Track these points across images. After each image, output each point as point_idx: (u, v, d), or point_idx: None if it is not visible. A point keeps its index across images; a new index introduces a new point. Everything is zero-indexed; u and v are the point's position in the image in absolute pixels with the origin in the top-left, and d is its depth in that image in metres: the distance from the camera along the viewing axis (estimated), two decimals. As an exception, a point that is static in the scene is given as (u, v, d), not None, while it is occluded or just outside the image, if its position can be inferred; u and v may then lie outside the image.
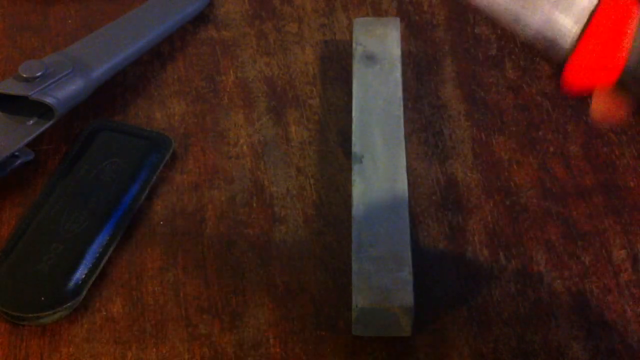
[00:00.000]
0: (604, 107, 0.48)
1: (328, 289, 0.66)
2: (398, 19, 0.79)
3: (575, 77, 0.44)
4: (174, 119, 0.76)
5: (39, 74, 0.71)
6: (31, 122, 0.72)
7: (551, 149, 0.73)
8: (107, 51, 0.76)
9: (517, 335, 0.63)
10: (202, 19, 0.83)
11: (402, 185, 0.67)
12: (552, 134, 0.74)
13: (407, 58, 0.80)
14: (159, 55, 0.80)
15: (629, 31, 0.43)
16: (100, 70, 0.75)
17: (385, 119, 0.71)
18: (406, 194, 0.67)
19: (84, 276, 0.65)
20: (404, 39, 0.80)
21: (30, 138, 0.71)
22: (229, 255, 0.67)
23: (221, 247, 0.68)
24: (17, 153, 0.71)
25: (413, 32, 0.82)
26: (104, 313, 0.65)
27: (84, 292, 0.65)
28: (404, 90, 0.75)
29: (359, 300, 0.61)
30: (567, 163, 0.73)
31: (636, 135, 0.74)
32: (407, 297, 0.61)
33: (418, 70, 0.79)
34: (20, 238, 0.67)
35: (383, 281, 0.62)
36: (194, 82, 0.78)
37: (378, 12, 0.84)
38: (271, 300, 0.65)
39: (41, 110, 0.72)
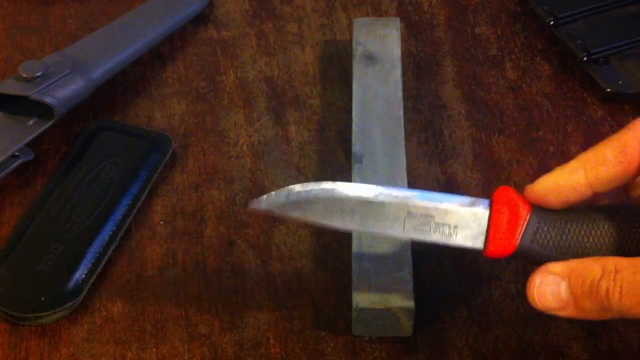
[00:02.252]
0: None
1: (328, 289, 0.66)
2: (398, 19, 0.79)
3: (491, 253, 0.56)
4: (174, 119, 0.76)
5: (39, 74, 0.71)
6: (31, 122, 0.72)
7: (551, 149, 0.73)
8: (107, 51, 0.76)
9: (517, 335, 0.63)
10: (202, 19, 0.83)
11: (402, 185, 0.67)
12: (552, 134, 0.74)
13: (407, 58, 0.80)
14: (159, 55, 0.80)
15: (520, 222, 0.56)
16: (100, 70, 0.75)
17: (385, 119, 0.71)
18: (406, 194, 0.67)
19: (84, 276, 0.65)
20: (404, 39, 0.80)
21: (30, 138, 0.71)
22: (229, 255, 0.67)
23: (221, 247, 0.68)
24: (17, 153, 0.71)
25: (413, 32, 0.82)
26: (104, 313, 0.65)
27: (84, 292, 0.65)
28: (404, 90, 0.74)
29: (359, 300, 0.61)
30: (567, 163, 0.73)
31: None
32: (407, 297, 0.61)
33: (418, 70, 0.79)
34: (20, 238, 0.67)
35: (383, 281, 0.62)
36: (194, 82, 0.78)
37: (378, 12, 0.84)
38: (271, 300, 0.65)
39: (41, 110, 0.72)
